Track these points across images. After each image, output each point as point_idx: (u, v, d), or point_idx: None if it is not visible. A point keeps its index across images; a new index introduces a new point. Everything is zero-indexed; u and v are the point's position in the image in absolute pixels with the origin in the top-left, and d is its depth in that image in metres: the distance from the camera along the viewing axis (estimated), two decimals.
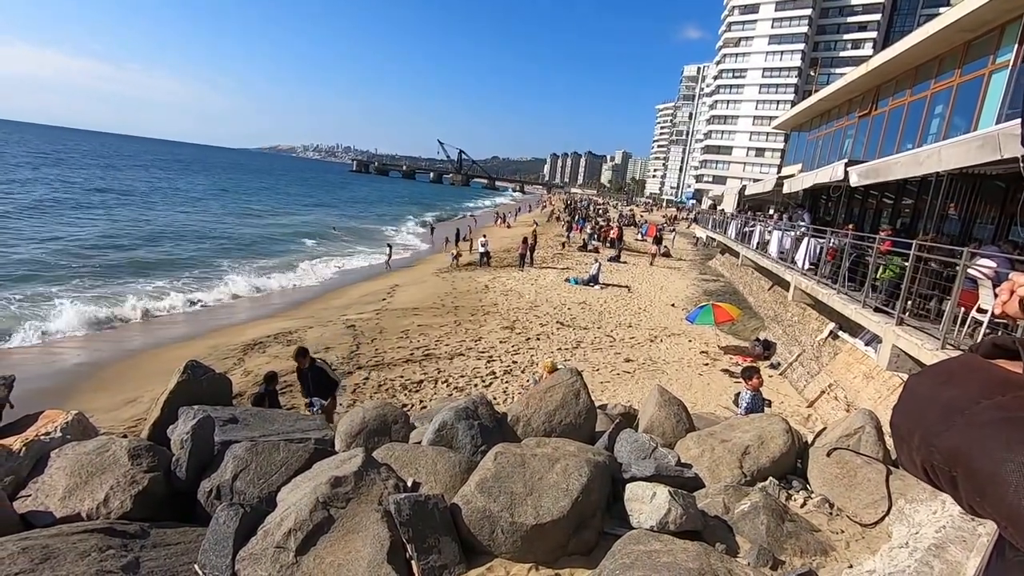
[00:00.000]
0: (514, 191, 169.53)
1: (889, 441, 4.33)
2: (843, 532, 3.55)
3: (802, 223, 14.86)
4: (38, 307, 13.65)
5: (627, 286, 21.23)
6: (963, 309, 6.47)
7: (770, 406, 6.75)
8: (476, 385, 10.07)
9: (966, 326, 6.47)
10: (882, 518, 3.57)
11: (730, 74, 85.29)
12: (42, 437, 3.64)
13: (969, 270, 6.33)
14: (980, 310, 6.33)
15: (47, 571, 2.47)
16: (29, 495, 3.27)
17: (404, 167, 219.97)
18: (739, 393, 6.63)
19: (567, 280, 20.99)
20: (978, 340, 0.73)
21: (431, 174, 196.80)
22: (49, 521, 3.09)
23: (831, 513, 3.76)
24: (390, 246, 27.16)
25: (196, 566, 2.75)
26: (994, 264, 6.39)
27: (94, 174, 59.99)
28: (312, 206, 56.70)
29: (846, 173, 10.97)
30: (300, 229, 36.50)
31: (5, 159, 66.54)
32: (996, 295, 0.69)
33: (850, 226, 13.05)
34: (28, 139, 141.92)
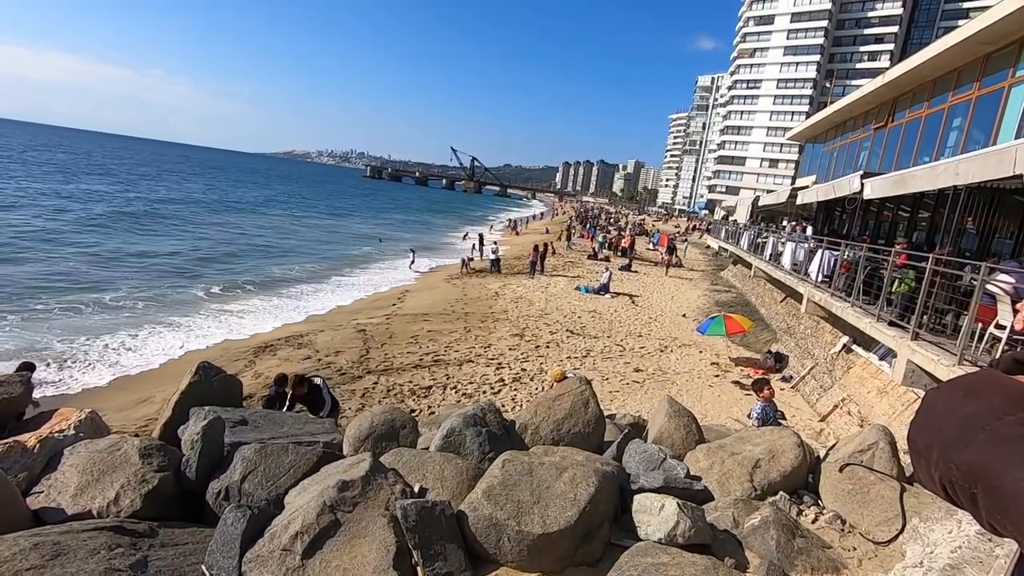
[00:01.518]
0: (532, 198, 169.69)
1: (904, 458, 4.25)
2: (855, 550, 3.49)
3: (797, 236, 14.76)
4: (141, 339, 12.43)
5: (638, 295, 21.14)
6: (980, 325, 6.36)
7: (784, 418, 6.65)
8: (485, 392, 10.06)
9: (984, 342, 6.35)
10: (896, 536, 3.49)
11: (744, 84, 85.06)
12: (56, 434, 3.69)
13: (988, 285, 6.22)
14: (999, 326, 6.21)
15: (57, 567, 2.50)
16: (42, 492, 3.31)
17: (417, 173, 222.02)
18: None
19: (577, 288, 20.95)
20: (996, 356, 0.72)
21: (443, 181, 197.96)
22: (60, 518, 3.13)
23: (843, 530, 3.69)
24: (413, 251, 27.51)
25: (203, 567, 2.76)
26: (1013, 280, 6.28)
27: (147, 184, 60.11)
28: (348, 215, 57.26)
29: (862, 185, 10.87)
30: (352, 237, 38.16)
31: (57, 163, 67.83)
32: (1016, 311, 0.68)
33: (866, 238, 12.91)
34: (62, 143, 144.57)
